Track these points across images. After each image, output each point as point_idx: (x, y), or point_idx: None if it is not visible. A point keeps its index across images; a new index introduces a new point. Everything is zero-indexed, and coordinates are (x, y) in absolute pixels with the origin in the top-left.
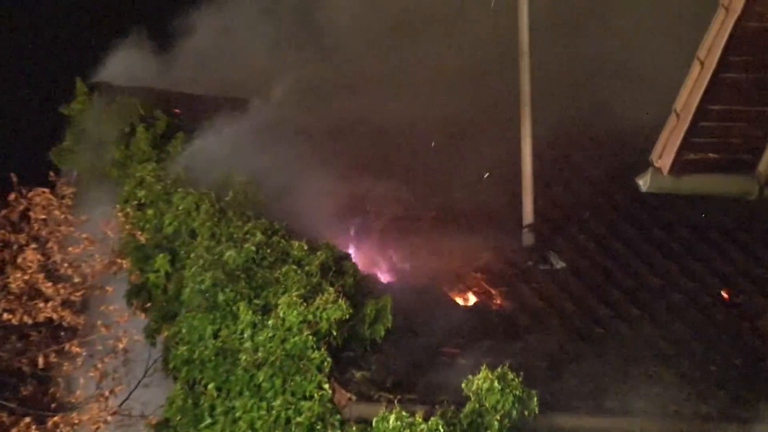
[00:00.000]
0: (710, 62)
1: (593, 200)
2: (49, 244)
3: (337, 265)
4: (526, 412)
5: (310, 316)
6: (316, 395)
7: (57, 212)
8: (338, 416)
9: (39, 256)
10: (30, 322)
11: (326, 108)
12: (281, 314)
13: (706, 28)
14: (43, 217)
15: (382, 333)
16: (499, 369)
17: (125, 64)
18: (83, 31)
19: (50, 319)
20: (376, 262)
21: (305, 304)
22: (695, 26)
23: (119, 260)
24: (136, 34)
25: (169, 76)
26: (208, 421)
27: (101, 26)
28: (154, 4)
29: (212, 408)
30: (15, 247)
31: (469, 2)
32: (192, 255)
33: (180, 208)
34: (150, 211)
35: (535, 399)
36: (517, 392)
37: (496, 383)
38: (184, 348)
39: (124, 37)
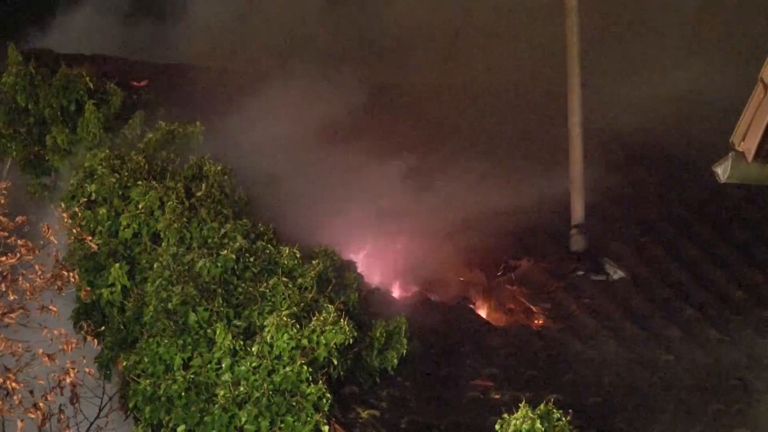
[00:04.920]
0: None
1: (659, 194)
2: None
3: (339, 277)
4: None
5: (305, 341)
6: None
7: None
8: None
9: None
10: None
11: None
12: (268, 339)
13: None
14: None
15: (395, 362)
16: (542, 406)
17: (71, 28)
18: None
19: None
20: (388, 273)
21: (298, 325)
22: None
23: (65, 272)
24: None
25: (127, 41)
26: None
27: None
28: None
29: None
30: None
31: None
32: (155, 265)
33: (140, 205)
34: (102, 210)
35: None
36: None
37: (538, 424)
38: (147, 382)
39: None
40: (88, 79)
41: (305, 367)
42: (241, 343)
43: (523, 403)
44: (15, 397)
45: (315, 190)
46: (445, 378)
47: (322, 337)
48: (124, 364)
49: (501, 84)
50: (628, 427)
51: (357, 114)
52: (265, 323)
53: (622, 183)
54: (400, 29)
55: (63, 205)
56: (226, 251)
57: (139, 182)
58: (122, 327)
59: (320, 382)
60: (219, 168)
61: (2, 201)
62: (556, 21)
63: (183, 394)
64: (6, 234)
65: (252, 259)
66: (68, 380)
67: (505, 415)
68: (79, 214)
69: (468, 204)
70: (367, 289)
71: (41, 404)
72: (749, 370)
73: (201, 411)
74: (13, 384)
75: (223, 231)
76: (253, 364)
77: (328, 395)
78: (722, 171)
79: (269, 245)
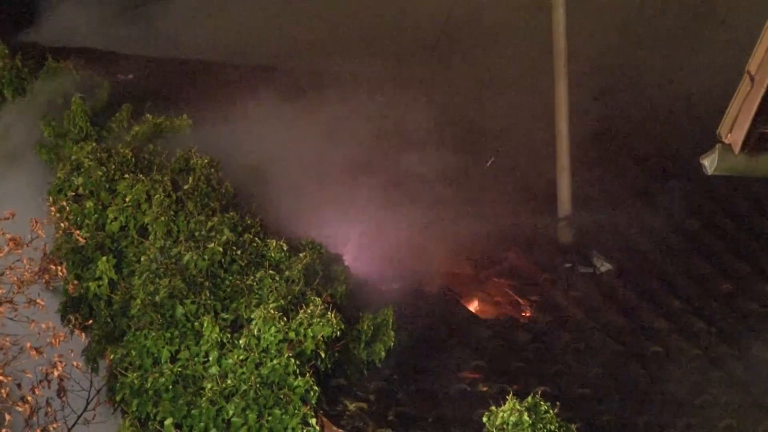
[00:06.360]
0: None
1: (646, 185)
2: None
3: (326, 270)
4: None
5: (292, 334)
6: None
7: None
8: None
9: None
10: None
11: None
12: (255, 331)
13: None
14: None
15: (383, 354)
16: (529, 398)
17: (58, 20)
18: None
19: None
20: (375, 265)
21: (285, 318)
22: None
23: (52, 266)
24: None
25: (114, 34)
26: None
27: None
28: None
29: None
30: None
31: None
32: (143, 258)
33: (127, 199)
34: (89, 204)
35: None
36: (552, 427)
37: (525, 416)
38: (135, 375)
39: None
40: (75, 72)
41: (292, 360)
42: (229, 336)
43: (511, 395)
44: (2, 391)
45: (303, 181)
46: (433, 370)
47: (310, 330)
48: (112, 357)
49: (485, 77)
50: (616, 419)
51: (348, 107)
52: (252, 316)
53: (610, 175)
54: (386, 21)
55: (50, 198)
56: (213, 244)
57: (126, 175)
58: (110, 320)
59: (307, 374)
60: (206, 161)
61: None
62: (542, 14)
63: (170, 387)
64: None
65: (239, 252)
66: (56, 373)
67: (493, 408)
68: (67, 208)
69: (455, 195)
70: (354, 281)
71: (29, 397)
72: (736, 362)
73: (188, 404)
74: (1, 377)
75: (210, 224)
76: (241, 357)
77: (316, 388)
78: (709, 163)
79: (256, 238)
